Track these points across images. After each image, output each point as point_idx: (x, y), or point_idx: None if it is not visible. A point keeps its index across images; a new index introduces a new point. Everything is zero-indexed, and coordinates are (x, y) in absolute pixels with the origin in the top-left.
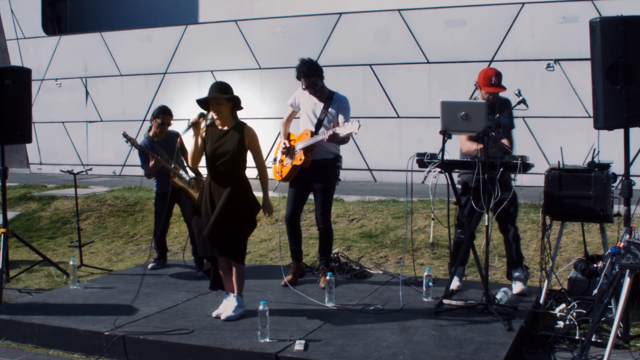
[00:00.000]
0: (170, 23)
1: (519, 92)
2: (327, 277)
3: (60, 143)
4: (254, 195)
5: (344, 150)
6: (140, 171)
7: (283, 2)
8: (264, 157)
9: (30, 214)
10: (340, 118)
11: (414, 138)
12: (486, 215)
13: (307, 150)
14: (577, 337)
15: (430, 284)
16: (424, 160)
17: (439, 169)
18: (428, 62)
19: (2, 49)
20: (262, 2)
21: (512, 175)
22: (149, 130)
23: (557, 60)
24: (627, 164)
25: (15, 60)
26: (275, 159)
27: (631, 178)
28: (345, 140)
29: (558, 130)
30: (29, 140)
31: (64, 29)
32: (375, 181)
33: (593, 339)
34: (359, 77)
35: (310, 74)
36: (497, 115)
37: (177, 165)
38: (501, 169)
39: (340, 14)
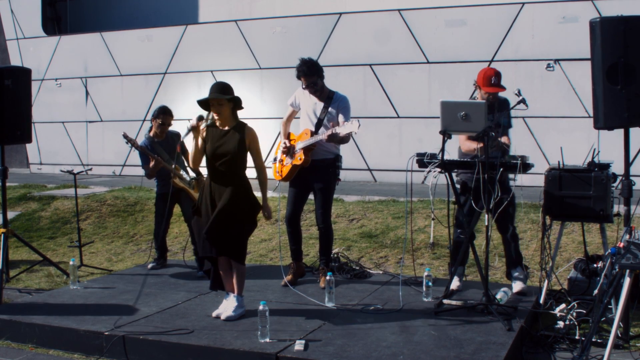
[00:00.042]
0: (170, 23)
1: (519, 91)
2: (327, 277)
3: (60, 143)
4: (255, 195)
5: (344, 150)
6: (140, 171)
7: (283, 2)
8: (264, 158)
9: (30, 214)
10: (341, 118)
11: (414, 138)
12: (486, 215)
13: (307, 149)
14: (577, 337)
15: (430, 284)
16: (424, 160)
17: (439, 169)
18: (428, 62)
19: (2, 49)
20: (262, 2)
21: (512, 175)
22: (150, 131)
23: (557, 60)
24: (627, 164)
25: (15, 60)
26: (275, 159)
27: (631, 178)
28: (344, 140)
29: (558, 130)
30: (29, 140)
31: (64, 29)
32: (375, 181)
33: (593, 339)
34: (359, 77)
35: (310, 73)
36: (497, 114)
37: (177, 165)
38: (501, 169)
39: (340, 14)
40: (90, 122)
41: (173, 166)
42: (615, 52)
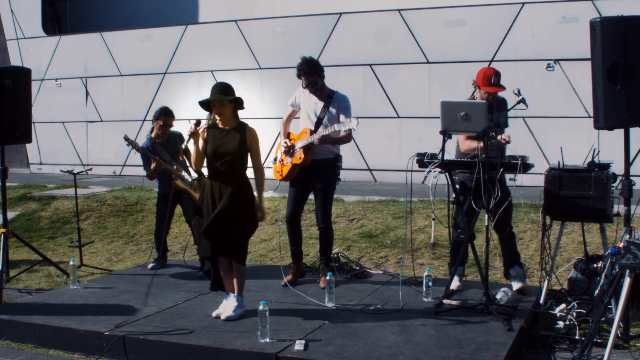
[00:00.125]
0: (170, 23)
1: (519, 91)
2: (327, 277)
3: (60, 143)
4: (255, 196)
5: (344, 150)
6: (140, 171)
7: (283, 2)
8: (264, 157)
9: (30, 214)
10: (342, 117)
11: (414, 138)
12: (486, 215)
13: (306, 148)
14: (577, 337)
15: (430, 284)
16: (424, 160)
17: (439, 169)
18: (428, 62)
19: (2, 49)
20: (262, 2)
21: (512, 175)
22: (151, 132)
23: (557, 60)
24: (627, 164)
25: (15, 60)
26: (275, 159)
27: (631, 178)
28: (339, 141)
29: (558, 130)
30: (29, 140)
31: (64, 29)
32: (375, 181)
33: (593, 339)
34: (359, 77)
35: (311, 72)
36: (495, 114)
37: (179, 166)
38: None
39: (340, 14)
40: (90, 122)
41: (175, 167)
42: (615, 52)
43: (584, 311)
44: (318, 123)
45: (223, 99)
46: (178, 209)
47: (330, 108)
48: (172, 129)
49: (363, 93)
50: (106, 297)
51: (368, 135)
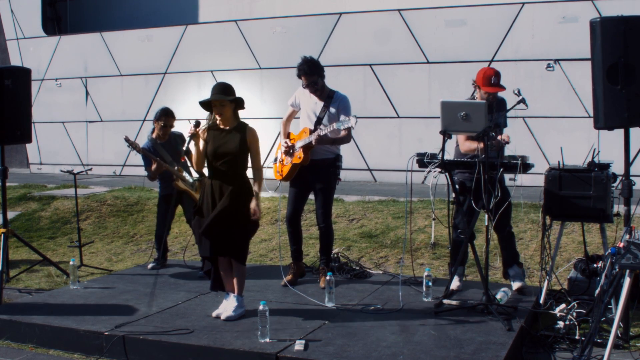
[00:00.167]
0: (170, 23)
1: (519, 91)
2: (327, 277)
3: (60, 143)
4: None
5: (344, 150)
6: (140, 171)
7: (283, 2)
8: (264, 157)
9: (30, 214)
10: (342, 117)
11: (414, 138)
12: (486, 215)
13: (306, 148)
14: (577, 337)
15: (430, 284)
16: (424, 160)
17: (439, 169)
18: (428, 62)
19: (2, 49)
20: (262, 2)
21: (512, 175)
22: (152, 132)
23: (557, 60)
24: (627, 164)
25: (15, 60)
26: (276, 159)
27: (631, 178)
28: (339, 141)
29: (558, 130)
30: (29, 140)
31: (64, 29)
32: (375, 181)
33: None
34: (359, 77)
35: (311, 72)
36: (495, 115)
37: (180, 167)
38: (501, 169)
39: (340, 14)
40: (90, 122)
41: (175, 168)
42: (615, 52)
43: (584, 311)
44: (318, 123)
45: (224, 99)
46: (179, 209)
47: (330, 108)
48: (173, 129)
49: (363, 93)
50: (106, 297)
51: (368, 135)
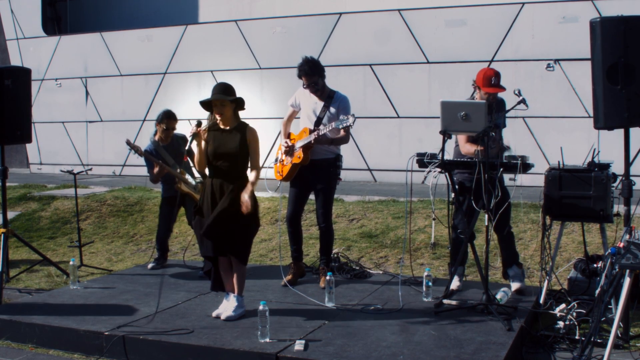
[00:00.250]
0: (170, 23)
1: (519, 92)
2: (327, 277)
3: (60, 143)
4: (256, 196)
5: (344, 150)
6: (141, 171)
7: (283, 2)
8: (264, 157)
9: (30, 214)
10: (341, 117)
11: (414, 138)
12: (486, 215)
13: (305, 148)
14: (577, 337)
15: (430, 284)
16: (424, 160)
17: (439, 169)
18: (428, 62)
19: (2, 49)
20: (262, 2)
21: (512, 176)
22: (155, 135)
23: (557, 60)
24: (627, 164)
25: (15, 60)
26: (276, 159)
27: (631, 178)
28: (337, 141)
29: (558, 130)
30: (29, 140)
31: (64, 29)
32: (375, 181)
33: (593, 339)
34: (359, 77)
35: (312, 73)
36: (495, 115)
37: (182, 169)
38: (501, 169)
39: (340, 14)
40: (90, 122)
41: (178, 170)
42: (615, 52)
43: (584, 311)
44: (318, 123)
45: (224, 99)
46: (181, 211)
47: (330, 108)
48: (175, 131)
49: (363, 93)
50: (106, 297)
51: (368, 135)
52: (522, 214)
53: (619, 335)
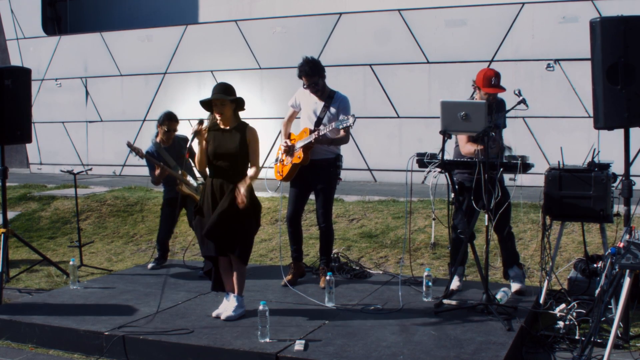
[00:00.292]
0: (170, 23)
1: (519, 92)
2: (327, 277)
3: (60, 143)
4: (256, 196)
5: (344, 150)
6: (140, 171)
7: (283, 2)
8: (264, 157)
9: (30, 214)
10: (341, 117)
11: (414, 138)
12: (486, 215)
13: (306, 148)
14: (577, 337)
15: (430, 284)
16: (424, 160)
17: (439, 169)
18: (428, 62)
19: (2, 49)
20: (262, 2)
21: (512, 176)
22: (156, 137)
23: (557, 60)
24: (627, 164)
25: (15, 60)
26: (276, 159)
27: (631, 178)
28: (337, 141)
29: (558, 130)
30: (29, 140)
31: (64, 29)
32: (375, 181)
33: (593, 339)
34: (359, 77)
35: (312, 73)
36: (494, 115)
37: (184, 171)
38: (501, 169)
39: (340, 14)
40: (90, 122)
41: (180, 172)
42: (615, 52)
43: (584, 311)
44: (318, 123)
45: (224, 98)
46: (181, 211)
47: (331, 108)
48: (177, 133)
49: (363, 93)
50: (106, 297)
51: (368, 135)
52: (522, 214)
53: (619, 335)
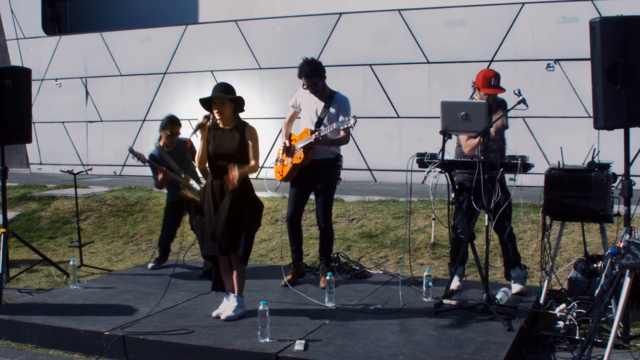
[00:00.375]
0: (170, 23)
1: (519, 91)
2: (327, 277)
3: (60, 143)
4: (256, 196)
5: (344, 150)
6: (140, 171)
7: (283, 2)
8: (264, 157)
9: (30, 214)
10: (341, 118)
11: (414, 138)
12: (486, 215)
13: (306, 148)
14: (577, 337)
15: (430, 284)
16: (424, 160)
17: (439, 169)
18: (428, 62)
19: (2, 49)
20: (262, 2)
21: (512, 175)
22: (159, 140)
23: (557, 60)
24: (627, 164)
25: (15, 60)
26: (277, 159)
27: (631, 178)
28: (337, 142)
29: (558, 130)
30: (29, 140)
31: (64, 29)
32: (375, 181)
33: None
34: (359, 77)
35: (312, 74)
36: (495, 116)
37: (187, 175)
38: (501, 170)
39: (340, 14)
40: (90, 122)
41: (182, 176)
42: (615, 52)
43: (584, 311)
44: (318, 123)
45: (224, 97)
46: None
47: (331, 108)
48: (180, 136)
49: (363, 93)
50: (106, 297)
51: (368, 135)
52: (522, 214)
53: (619, 335)
